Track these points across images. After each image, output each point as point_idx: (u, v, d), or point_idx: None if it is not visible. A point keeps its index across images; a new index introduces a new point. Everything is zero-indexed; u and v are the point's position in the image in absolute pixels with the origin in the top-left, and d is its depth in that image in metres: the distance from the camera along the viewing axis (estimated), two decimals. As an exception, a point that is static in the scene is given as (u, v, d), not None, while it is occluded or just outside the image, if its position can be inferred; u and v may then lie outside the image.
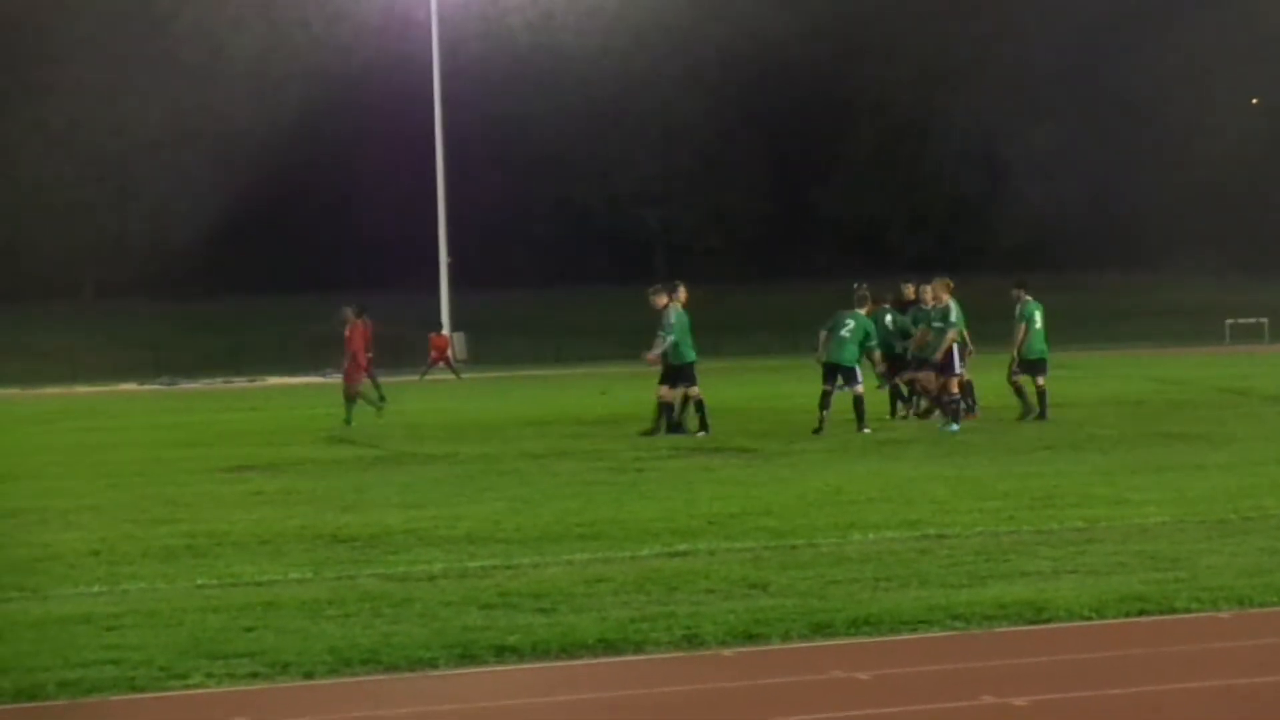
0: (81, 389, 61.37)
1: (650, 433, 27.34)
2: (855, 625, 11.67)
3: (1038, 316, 29.89)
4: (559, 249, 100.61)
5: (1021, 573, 13.50)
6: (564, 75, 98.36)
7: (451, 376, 62.01)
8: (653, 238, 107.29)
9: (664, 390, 27.90)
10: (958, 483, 19.68)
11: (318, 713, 10.02)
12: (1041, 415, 28.92)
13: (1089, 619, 11.81)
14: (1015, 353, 29.67)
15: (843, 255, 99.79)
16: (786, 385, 31.15)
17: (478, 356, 76.18)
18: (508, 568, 14.43)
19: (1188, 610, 12.01)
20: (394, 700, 10.24)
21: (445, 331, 70.77)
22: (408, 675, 10.75)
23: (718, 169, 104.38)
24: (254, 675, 10.75)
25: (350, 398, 32.99)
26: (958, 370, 27.77)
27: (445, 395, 47.58)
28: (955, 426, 26.84)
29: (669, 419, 27.70)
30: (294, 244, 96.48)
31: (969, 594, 12.60)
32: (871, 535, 15.60)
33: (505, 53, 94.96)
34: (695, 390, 27.94)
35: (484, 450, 26.33)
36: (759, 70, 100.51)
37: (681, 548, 15.21)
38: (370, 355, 42.54)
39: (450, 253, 76.81)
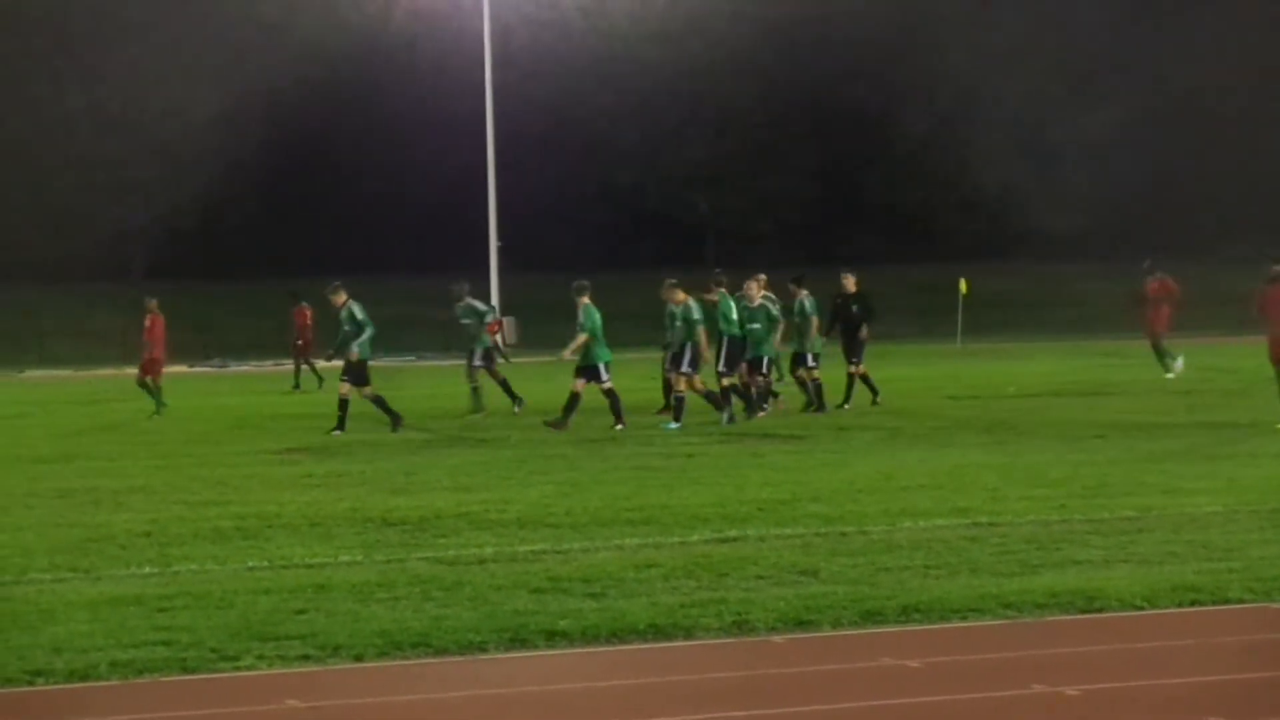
0: (132, 370, 61.43)
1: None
2: (905, 613, 11.64)
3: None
4: (608, 233, 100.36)
5: (1073, 561, 13.45)
6: (616, 59, 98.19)
7: (501, 361, 62.00)
8: (702, 223, 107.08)
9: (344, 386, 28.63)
10: (1008, 470, 19.60)
11: (368, 695, 10.04)
12: (791, 403, 29.85)
13: (1141, 609, 11.76)
14: (803, 346, 30.91)
15: (892, 241, 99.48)
16: (833, 371, 31.14)
17: (526, 341, 76.04)
18: (558, 552, 14.43)
19: (1240, 601, 11.95)
20: (444, 684, 10.26)
21: (496, 315, 70.73)
22: (458, 659, 10.76)
23: (768, 154, 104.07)
24: (305, 658, 10.78)
25: (141, 382, 34.02)
26: (685, 369, 28.11)
27: (494, 379, 47.42)
28: (674, 425, 26.83)
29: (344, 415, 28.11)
30: (345, 227, 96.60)
31: (1020, 582, 12.55)
32: (922, 522, 15.55)
33: (557, 36, 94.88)
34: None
35: (534, 434, 26.35)
36: (809, 54, 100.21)
37: (731, 534, 15.19)
38: (304, 341, 42.95)
39: (500, 237, 76.76)
